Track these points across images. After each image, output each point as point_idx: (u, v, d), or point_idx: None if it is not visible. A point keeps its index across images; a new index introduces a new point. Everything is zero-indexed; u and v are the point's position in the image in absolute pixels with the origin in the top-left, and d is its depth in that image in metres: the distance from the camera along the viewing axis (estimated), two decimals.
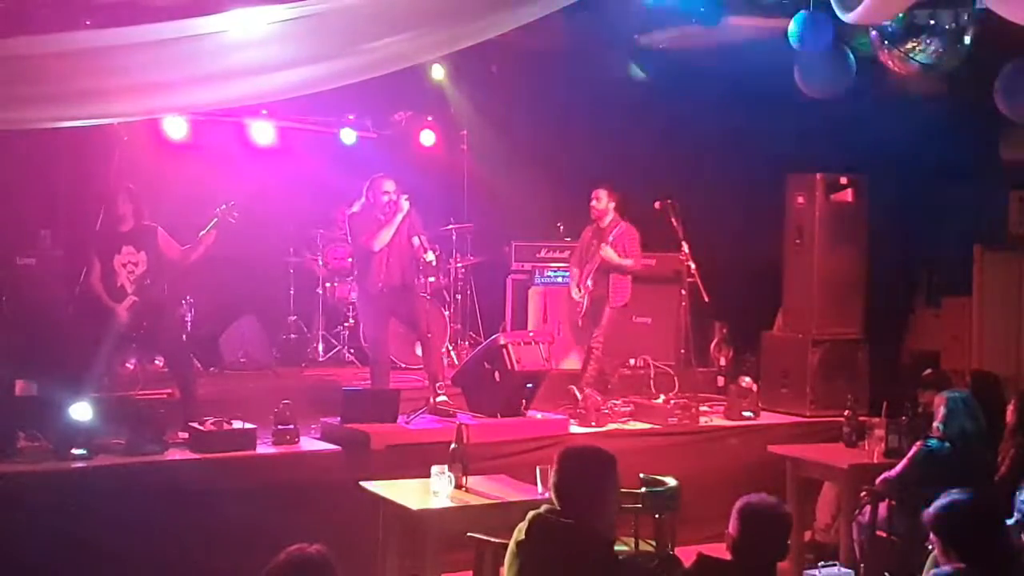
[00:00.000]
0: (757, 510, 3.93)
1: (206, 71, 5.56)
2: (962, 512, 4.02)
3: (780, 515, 3.97)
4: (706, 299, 8.17)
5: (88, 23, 6.63)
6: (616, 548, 4.09)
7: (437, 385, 7.59)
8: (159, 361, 8.32)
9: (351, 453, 6.85)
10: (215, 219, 7.30)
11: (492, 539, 4.88)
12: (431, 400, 7.52)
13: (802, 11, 6.43)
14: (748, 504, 3.93)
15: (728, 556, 3.93)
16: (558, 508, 3.99)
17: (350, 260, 9.14)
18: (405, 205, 7.61)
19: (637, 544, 5.58)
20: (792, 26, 6.49)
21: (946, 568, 3.94)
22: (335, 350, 9.67)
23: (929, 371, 7.65)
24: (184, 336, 8.32)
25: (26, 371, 6.89)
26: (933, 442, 6.10)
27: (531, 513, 4.06)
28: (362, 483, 5.80)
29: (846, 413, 7.29)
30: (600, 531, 3.96)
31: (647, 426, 7.91)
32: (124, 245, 7.19)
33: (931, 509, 4.09)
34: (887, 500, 6.24)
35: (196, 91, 5.75)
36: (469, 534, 5.04)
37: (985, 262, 9.08)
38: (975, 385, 6.97)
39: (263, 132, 9.88)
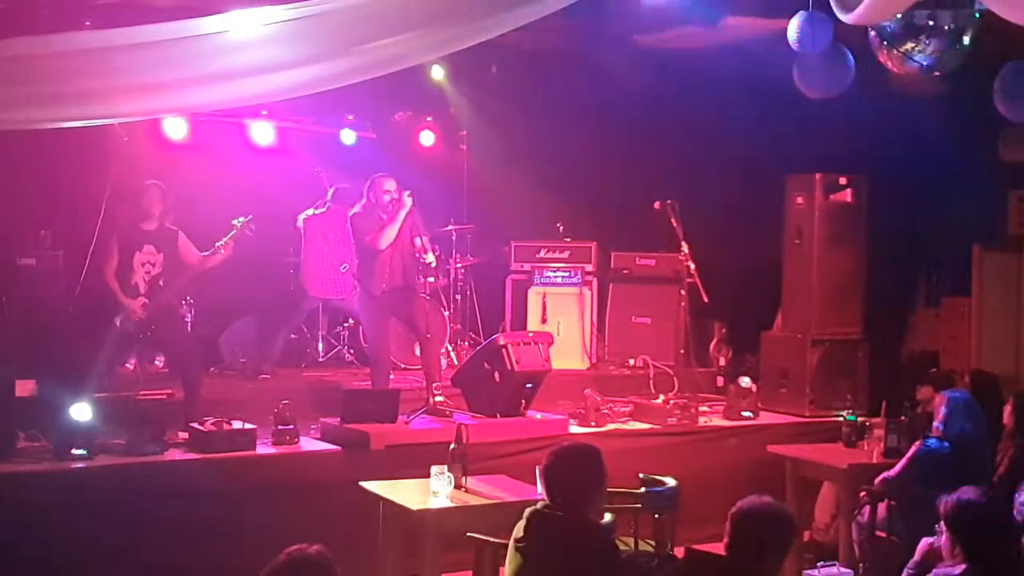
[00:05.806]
0: (748, 513, 3.88)
1: (206, 71, 5.56)
2: (977, 513, 4.02)
3: (774, 517, 3.87)
4: (705, 299, 8.18)
5: (88, 23, 6.64)
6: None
7: (434, 386, 7.59)
8: (159, 361, 8.32)
9: (351, 453, 6.85)
10: (233, 231, 7.29)
11: (492, 539, 4.89)
12: (430, 401, 7.54)
13: (801, 11, 6.43)
14: (740, 508, 3.87)
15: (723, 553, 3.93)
16: (552, 504, 4.03)
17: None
18: (408, 201, 7.60)
19: (637, 544, 5.57)
20: (791, 26, 6.49)
21: (959, 568, 3.94)
22: (335, 350, 9.67)
23: (934, 371, 7.66)
24: (191, 338, 8.29)
25: (26, 371, 6.89)
26: (932, 442, 6.11)
27: (528, 510, 4.10)
28: (362, 483, 5.81)
29: (845, 413, 7.30)
30: (595, 521, 4.00)
31: (646, 426, 7.91)
32: (146, 244, 7.14)
33: (948, 502, 4.07)
34: (886, 500, 6.25)
35: (196, 91, 5.74)
36: (469, 534, 5.05)
37: (984, 262, 9.07)
38: (974, 385, 6.97)
39: (263, 132, 9.87)
